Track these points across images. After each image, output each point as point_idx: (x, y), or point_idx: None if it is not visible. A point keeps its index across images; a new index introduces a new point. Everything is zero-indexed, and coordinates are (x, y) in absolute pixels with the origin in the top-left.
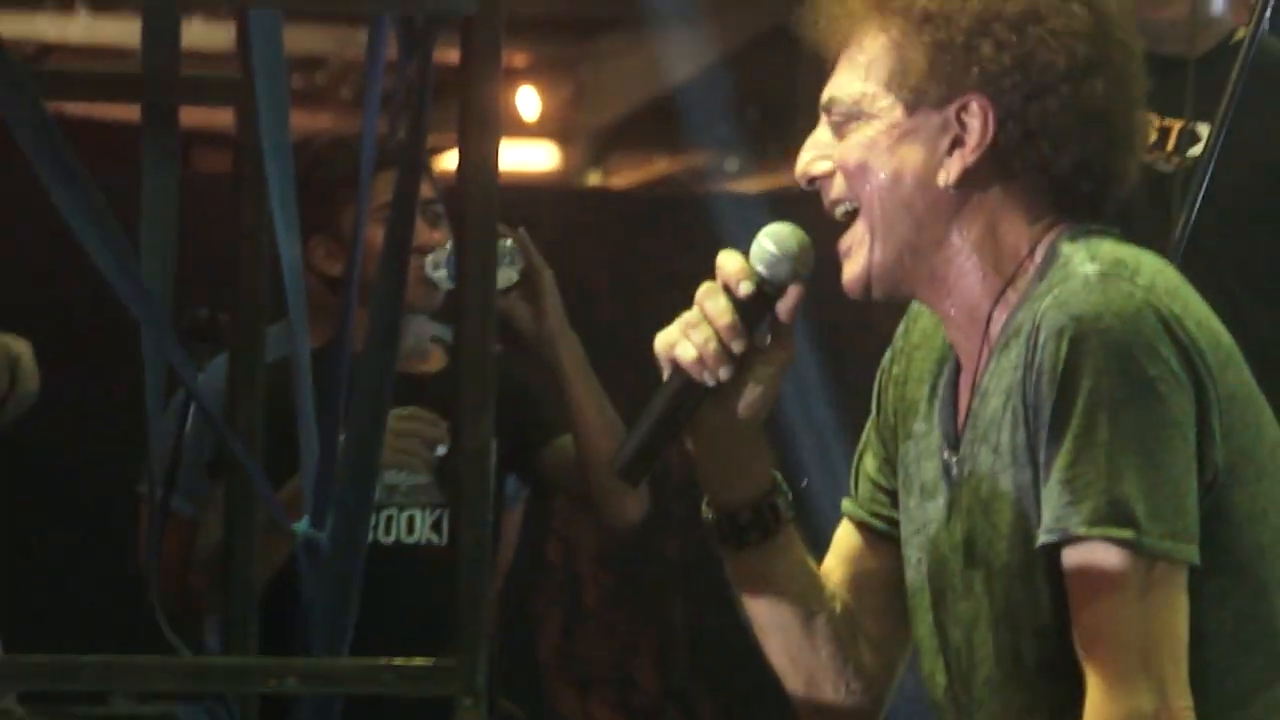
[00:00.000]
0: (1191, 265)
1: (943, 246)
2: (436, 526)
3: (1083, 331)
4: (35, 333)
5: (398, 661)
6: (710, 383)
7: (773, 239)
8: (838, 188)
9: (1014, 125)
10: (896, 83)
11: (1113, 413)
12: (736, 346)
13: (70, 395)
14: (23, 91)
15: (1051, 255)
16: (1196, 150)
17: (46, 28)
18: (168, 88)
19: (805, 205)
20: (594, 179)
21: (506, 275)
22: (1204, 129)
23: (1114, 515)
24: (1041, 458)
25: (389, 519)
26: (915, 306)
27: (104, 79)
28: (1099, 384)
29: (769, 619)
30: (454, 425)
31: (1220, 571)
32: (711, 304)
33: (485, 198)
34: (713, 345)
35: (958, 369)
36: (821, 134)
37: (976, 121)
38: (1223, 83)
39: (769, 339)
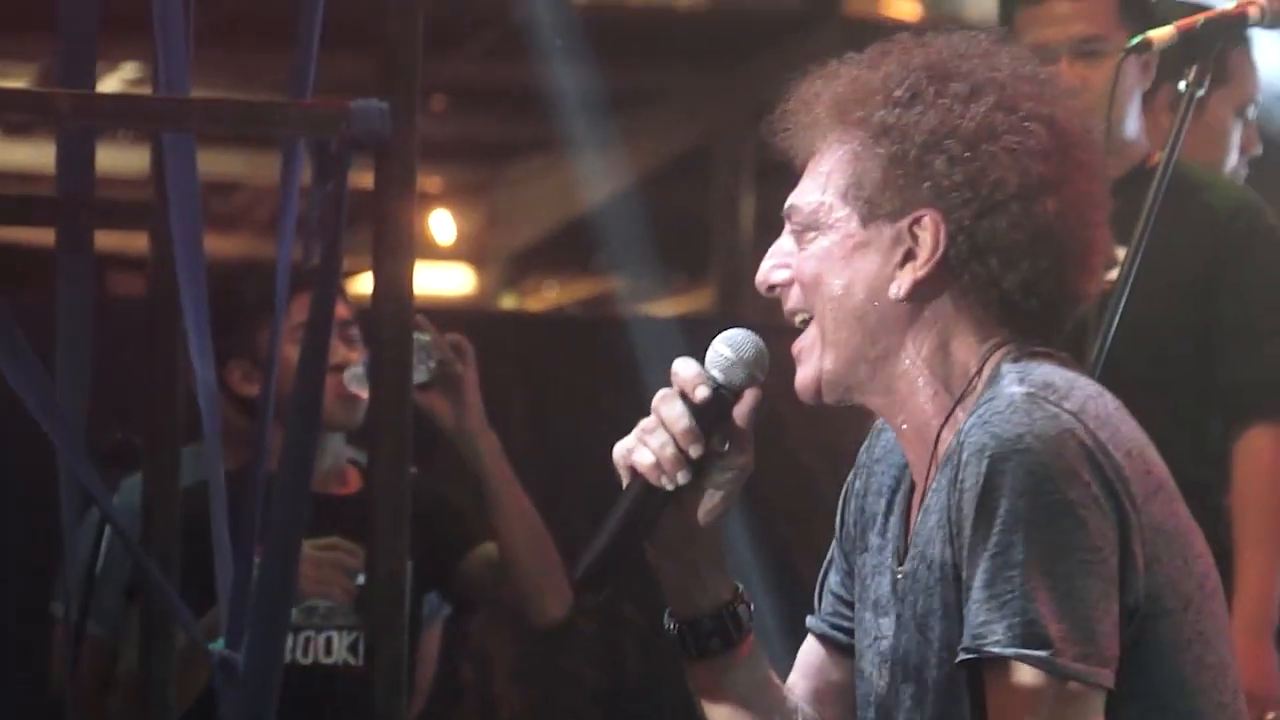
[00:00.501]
0: (1108, 386)
1: (895, 359)
2: (353, 648)
3: (1003, 452)
4: None
5: None
6: (668, 487)
7: (728, 344)
8: (794, 297)
9: (964, 241)
10: (853, 194)
11: (1029, 534)
12: (694, 451)
13: None
14: None
15: (995, 376)
16: (1113, 274)
17: None
18: (82, 211)
19: (719, 328)
20: (509, 302)
21: (422, 370)
22: (1120, 251)
23: (1029, 635)
24: (964, 575)
25: (307, 640)
26: (880, 421)
27: (18, 202)
28: (1016, 505)
29: None
30: (368, 548)
31: (1140, 698)
32: (668, 409)
33: (400, 320)
34: (670, 450)
35: (913, 485)
36: (784, 241)
37: (928, 235)
38: (1137, 206)
39: (727, 444)
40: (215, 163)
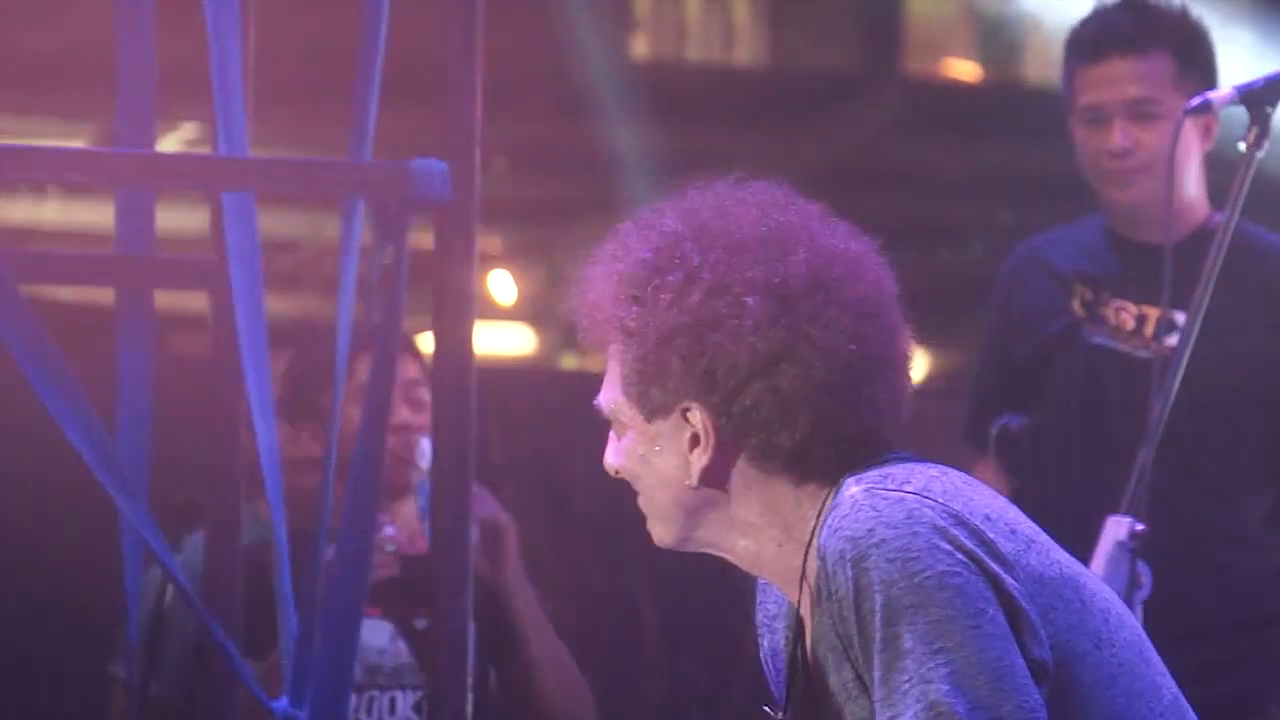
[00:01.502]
0: (1168, 451)
1: (730, 529)
2: (418, 708)
3: (860, 551)
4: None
5: None
6: None
7: None
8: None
9: (727, 423)
10: (632, 393)
11: (910, 619)
12: None
13: (45, 569)
14: None
15: (837, 499)
16: (1174, 340)
17: (20, 212)
18: (142, 271)
19: None
20: (569, 362)
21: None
22: (1180, 316)
23: None
24: (867, 681)
25: (371, 700)
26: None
27: (79, 262)
28: (889, 596)
29: None
30: (433, 606)
31: None
32: None
33: (460, 380)
34: None
35: (801, 625)
36: (613, 434)
37: (698, 421)
38: (1198, 269)
39: None
40: (275, 222)
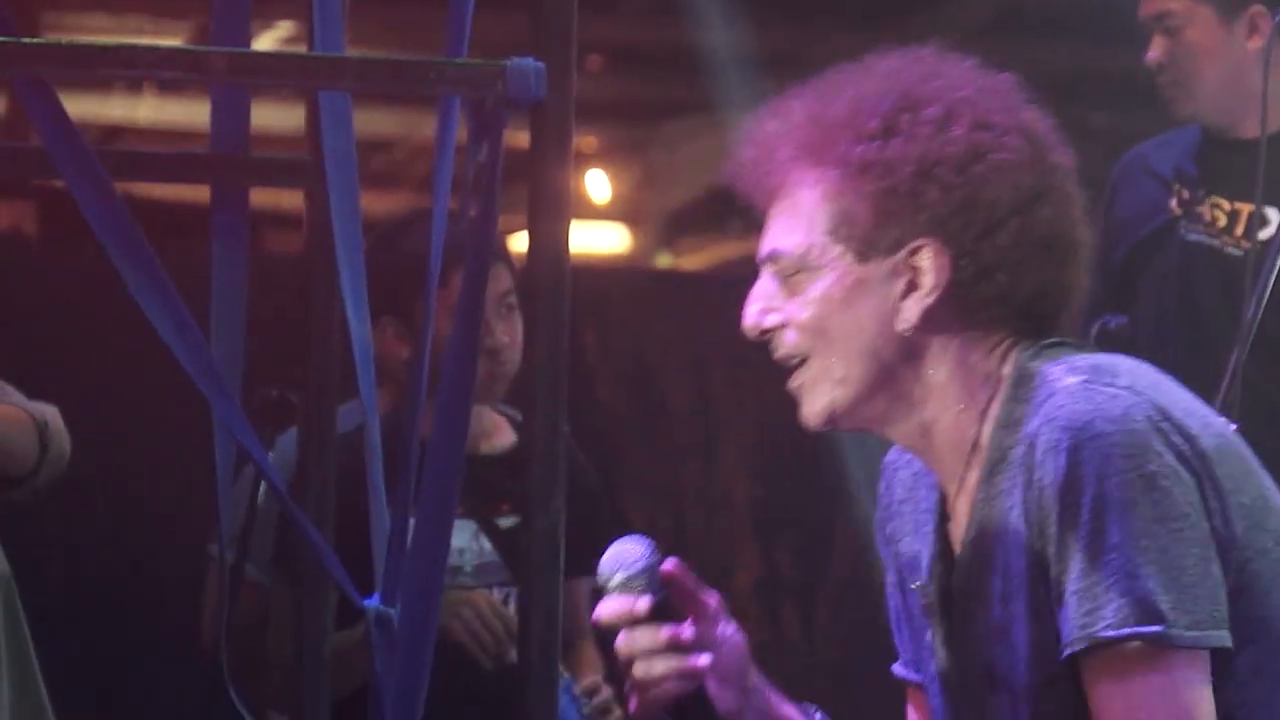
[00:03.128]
0: (1260, 349)
1: (914, 386)
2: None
3: (1077, 441)
4: (114, 394)
5: None
6: (698, 675)
7: (625, 566)
8: (790, 342)
9: (968, 263)
10: (843, 233)
11: (1119, 514)
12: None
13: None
14: (93, 173)
15: (1021, 375)
16: (1267, 233)
17: (115, 109)
18: (237, 170)
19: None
20: (664, 261)
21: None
22: (1274, 213)
23: (1140, 613)
24: (1053, 573)
25: None
26: (891, 459)
27: (173, 160)
28: (1101, 489)
29: None
30: (524, 504)
31: (1252, 641)
32: (643, 639)
33: (556, 280)
34: (674, 661)
35: (945, 513)
36: (766, 285)
37: (929, 264)
38: None
39: (690, 630)
40: (371, 121)
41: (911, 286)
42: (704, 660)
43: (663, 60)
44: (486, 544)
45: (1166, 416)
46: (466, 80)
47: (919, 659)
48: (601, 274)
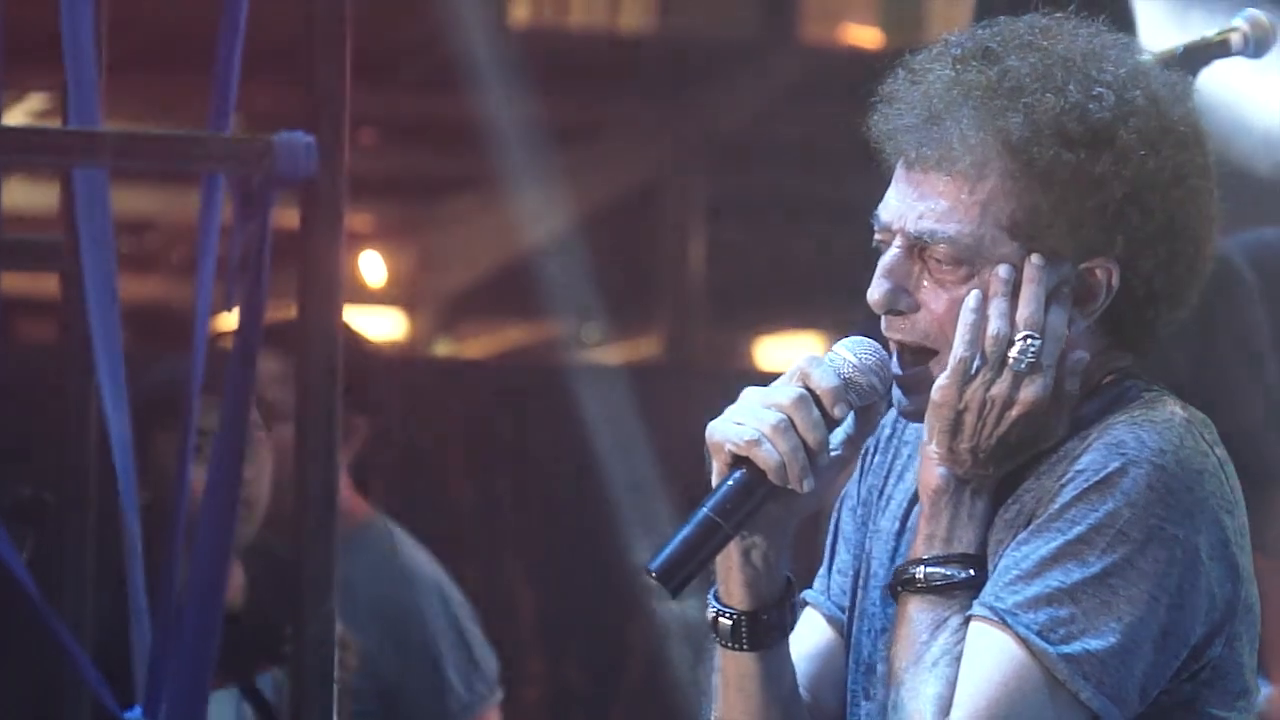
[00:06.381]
0: None
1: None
2: None
3: (1139, 457)
4: None
5: None
6: (795, 489)
7: (862, 362)
8: (919, 330)
9: (1140, 286)
10: (1025, 233)
11: (1115, 545)
12: (823, 460)
13: None
14: None
15: (1121, 390)
16: None
17: None
18: None
19: (667, 376)
20: (443, 348)
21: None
22: None
23: (1056, 635)
24: (1021, 535)
25: None
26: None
27: None
28: (1120, 510)
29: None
30: (293, 612)
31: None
32: (803, 416)
33: (327, 369)
34: (800, 455)
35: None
36: (900, 262)
37: (1101, 281)
38: None
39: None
40: (129, 200)
41: (1081, 298)
42: (807, 484)
43: (442, 134)
44: (248, 710)
45: (1233, 507)
46: (232, 156)
47: (845, 603)
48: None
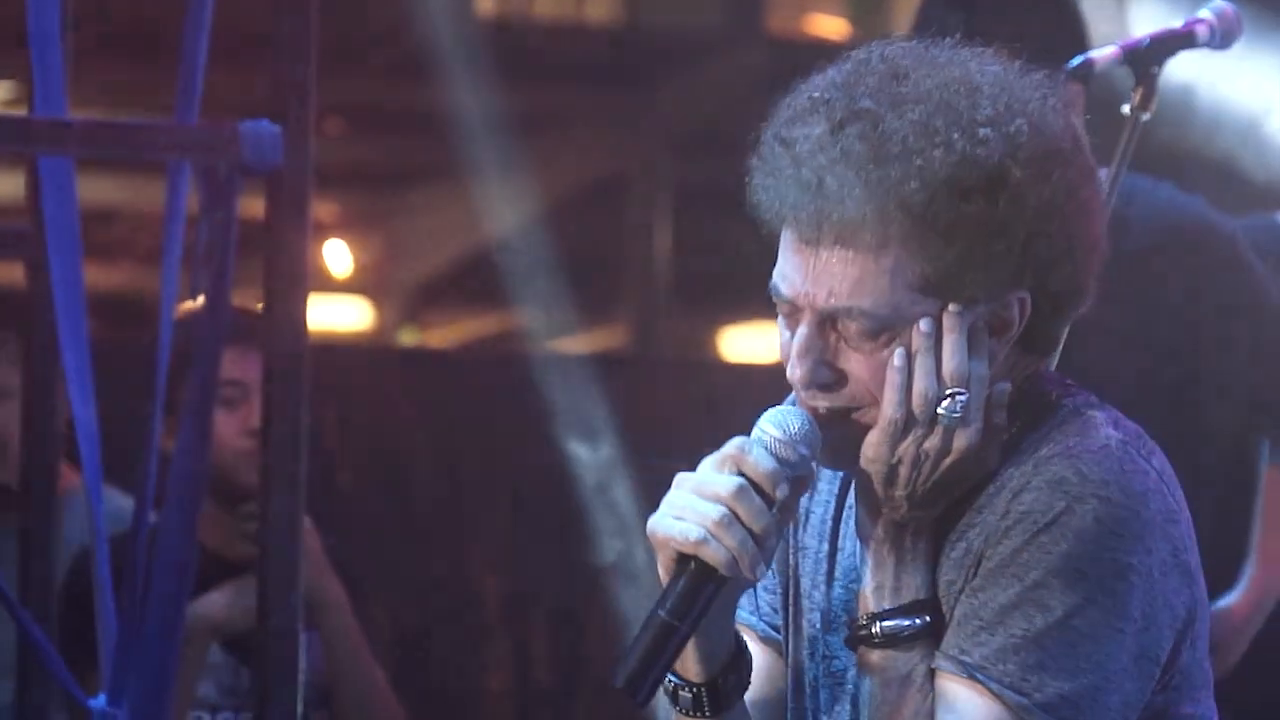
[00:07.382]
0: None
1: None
2: None
3: (1083, 493)
4: None
5: None
6: (749, 576)
7: (790, 436)
8: (849, 395)
9: (1045, 302)
10: (936, 288)
11: (1074, 584)
12: (770, 544)
13: None
14: None
15: (1043, 403)
16: None
17: None
18: None
19: (632, 367)
20: (409, 338)
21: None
22: None
23: (1022, 685)
24: (975, 580)
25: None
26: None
27: None
28: (1074, 551)
29: None
30: (259, 598)
31: None
32: (745, 506)
33: (293, 358)
34: (750, 546)
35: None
36: (814, 340)
37: (1016, 313)
38: None
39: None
40: (95, 188)
41: (997, 329)
42: (760, 571)
43: (408, 123)
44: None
45: (1175, 518)
46: (198, 145)
47: (778, 622)
48: (342, 351)
